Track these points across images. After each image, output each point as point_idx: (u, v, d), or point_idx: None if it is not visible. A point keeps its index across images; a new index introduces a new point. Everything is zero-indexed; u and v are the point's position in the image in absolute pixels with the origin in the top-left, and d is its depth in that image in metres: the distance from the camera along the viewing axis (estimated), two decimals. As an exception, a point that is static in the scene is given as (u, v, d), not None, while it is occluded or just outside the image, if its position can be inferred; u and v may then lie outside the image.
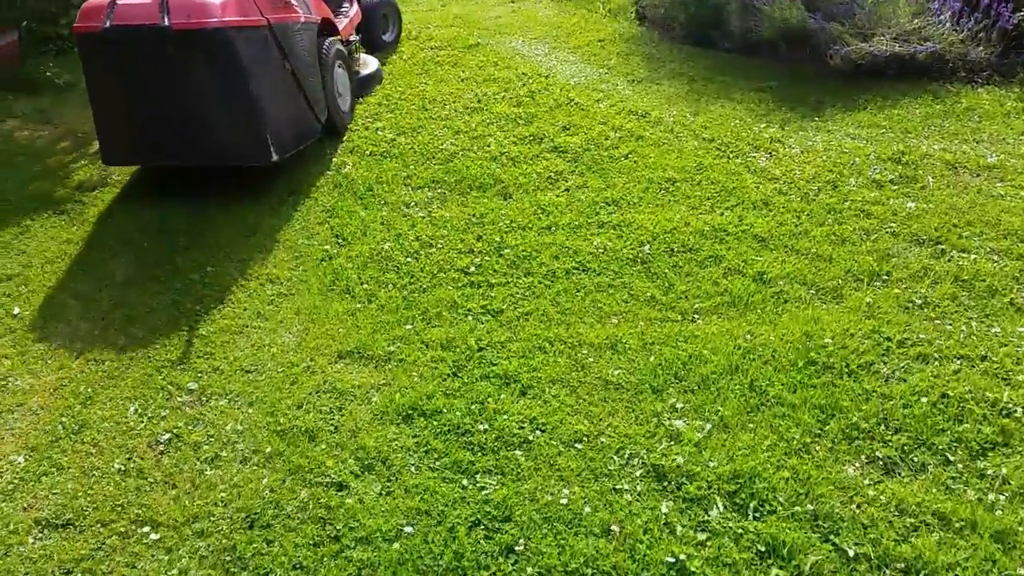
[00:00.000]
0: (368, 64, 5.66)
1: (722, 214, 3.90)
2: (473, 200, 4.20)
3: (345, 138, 4.88)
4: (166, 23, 3.76)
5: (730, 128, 4.66)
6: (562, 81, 5.43)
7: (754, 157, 4.35)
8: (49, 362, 3.26)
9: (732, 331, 3.15)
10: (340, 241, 3.93)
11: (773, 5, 5.18)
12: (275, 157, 4.15)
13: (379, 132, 4.91)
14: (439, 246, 3.85)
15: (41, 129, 5.43)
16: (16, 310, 3.57)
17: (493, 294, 3.49)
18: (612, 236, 3.81)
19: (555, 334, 3.22)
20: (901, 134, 4.49)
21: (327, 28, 4.92)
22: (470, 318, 3.36)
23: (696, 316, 3.27)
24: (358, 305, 3.47)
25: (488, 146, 4.68)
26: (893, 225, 3.72)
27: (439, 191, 4.31)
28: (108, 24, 3.84)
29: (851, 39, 5.01)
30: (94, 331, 3.42)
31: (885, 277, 3.40)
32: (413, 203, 4.21)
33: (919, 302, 3.24)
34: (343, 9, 5.66)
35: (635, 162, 4.42)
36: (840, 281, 3.40)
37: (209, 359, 3.24)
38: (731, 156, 4.39)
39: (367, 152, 4.70)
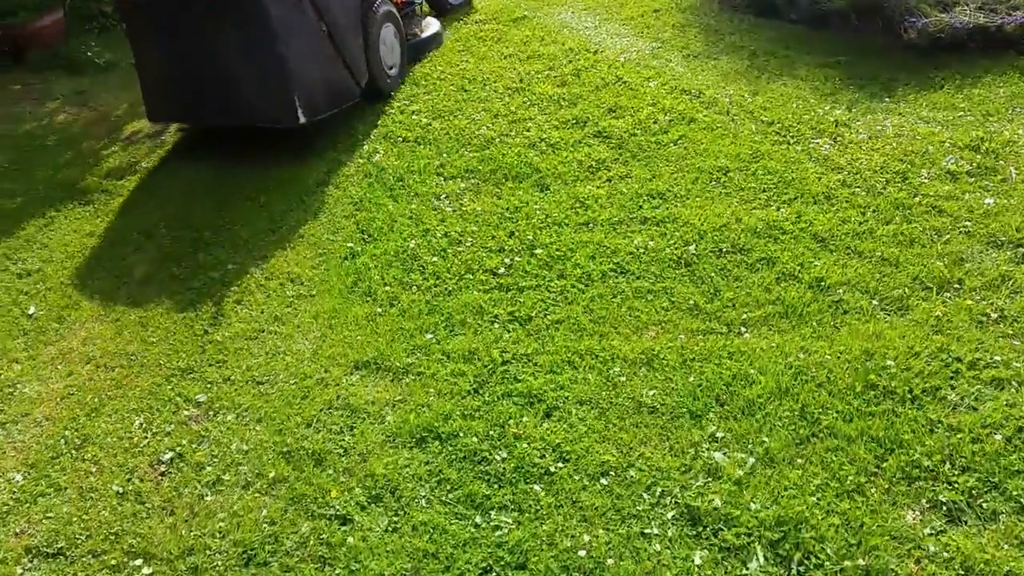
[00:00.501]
0: (429, 26, 5.50)
1: (778, 209, 3.56)
2: (508, 192, 3.94)
3: (379, 122, 4.65)
4: None
5: (792, 110, 4.27)
6: (611, 57, 5.09)
7: (817, 143, 3.97)
8: (59, 367, 3.15)
9: (783, 347, 2.84)
10: (365, 237, 3.73)
11: (843, -28, 4.73)
12: (303, 119, 4.10)
13: (414, 116, 4.66)
14: (468, 243, 3.61)
15: (78, 112, 5.36)
16: (32, 309, 3.48)
17: (522, 299, 3.24)
18: (655, 234, 3.51)
19: (586, 346, 2.96)
20: (981, 118, 4.04)
21: None
22: (496, 326, 3.12)
23: (743, 328, 2.97)
24: (379, 309, 3.27)
25: (528, 131, 4.40)
26: (968, 224, 3.33)
27: (473, 181, 4.06)
28: None
29: (930, 9, 4.54)
30: (107, 334, 3.31)
31: (957, 286, 3.03)
32: (444, 195, 3.97)
33: (995, 316, 2.87)
34: None
35: (685, 148, 4.08)
36: (907, 290, 3.04)
37: (221, 367, 3.08)
38: (791, 142, 4.02)
39: (400, 138, 4.47)
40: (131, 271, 3.69)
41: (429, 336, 3.08)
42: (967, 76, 4.41)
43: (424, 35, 5.42)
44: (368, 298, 3.35)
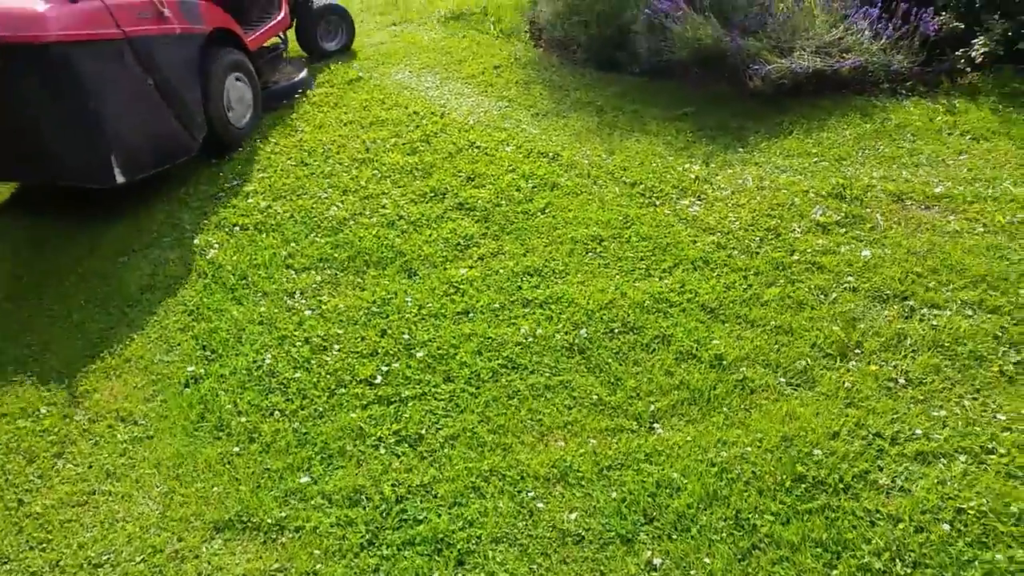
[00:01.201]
0: (295, 73, 5.27)
1: (660, 279, 3.39)
2: (371, 281, 3.55)
3: (208, 209, 4.12)
4: None
5: (651, 168, 4.16)
6: (459, 120, 4.81)
7: (683, 203, 3.86)
8: None
9: (699, 440, 2.62)
10: (208, 354, 3.20)
11: (684, 23, 4.71)
12: (121, 179, 3.77)
13: (250, 199, 4.17)
14: (335, 349, 3.18)
15: None
16: None
17: (408, 412, 2.85)
18: (541, 318, 3.23)
19: (491, 465, 2.62)
20: (835, 163, 4.09)
21: (223, 37, 4.48)
22: (382, 451, 2.72)
23: (654, 422, 2.73)
24: (236, 448, 2.77)
25: (383, 208, 4.03)
26: (851, 279, 3.29)
27: (329, 272, 3.63)
28: None
29: (770, 56, 4.60)
30: None
31: (857, 350, 2.95)
32: (298, 291, 3.52)
33: (901, 381, 2.80)
34: (265, 16, 5.20)
35: (553, 217, 3.85)
36: (808, 360, 2.92)
37: (45, 550, 2.48)
38: (658, 203, 3.89)
39: (237, 226, 3.96)
40: (-90, 430, 2.97)
41: (303, 478, 2.63)
42: (813, 119, 4.48)
43: (284, 83, 5.20)
44: (220, 434, 2.84)
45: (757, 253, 3.49)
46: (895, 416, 2.64)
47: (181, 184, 4.34)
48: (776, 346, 2.99)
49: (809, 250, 3.46)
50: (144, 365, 3.18)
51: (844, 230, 3.58)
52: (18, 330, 3.42)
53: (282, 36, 5.61)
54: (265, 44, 5.24)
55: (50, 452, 2.83)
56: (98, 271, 3.75)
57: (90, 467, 2.76)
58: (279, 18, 5.27)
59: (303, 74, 5.34)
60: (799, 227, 3.62)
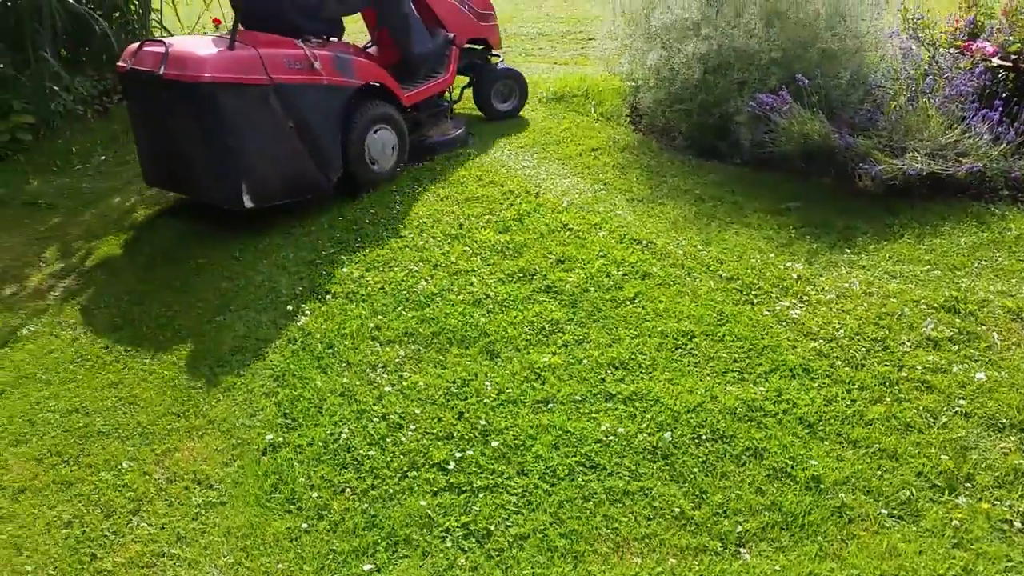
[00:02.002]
0: (450, 129, 5.71)
1: (755, 384, 3.23)
2: (453, 360, 3.51)
3: (306, 276, 4.19)
4: (160, 72, 4.18)
5: (750, 264, 4.02)
6: (553, 200, 4.80)
7: (783, 304, 3.70)
8: None
9: (790, 571, 2.44)
10: (289, 423, 3.20)
11: (790, 117, 4.61)
12: (250, 204, 4.40)
13: (344, 268, 4.23)
14: (411, 429, 3.13)
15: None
16: None
17: (478, 505, 2.76)
18: (623, 415, 3.11)
19: (560, 574, 2.49)
20: (949, 272, 3.87)
21: (374, 92, 5.02)
22: (448, 544, 2.63)
23: (740, 545, 2.55)
24: (304, 524, 2.73)
25: (471, 285, 4.01)
26: (963, 402, 3.06)
27: (413, 347, 3.62)
28: (129, 66, 4.44)
29: (881, 155, 4.44)
30: (-39, 570, 2.66)
31: (967, 483, 2.71)
32: (381, 365, 3.51)
33: (1017, 524, 2.55)
34: (431, 75, 5.63)
35: (643, 308, 3.76)
36: (914, 490, 2.70)
37: (108, 612, 2.47)
38: (756, 302, 3.74)
39: (329, 294, 4.01)
40: (6, 471, 3.06)
41: (367, 565, 2.56)
42: (925, 224, 4.28)
43: (438, 137, 5.61)
44: (291, 507, 2.81)
45: (862, 365, 3.30)
46: (1009, 564, 2.40)
47: (281, 249, 4.45)
48: (879, 471, 2.78)
49: (919, 367, 3.25)
50: (227, 428, 3.20)
51: (957, 347, 3.35)
52: (110, 382, 3.51)
53: (449, 95, 6.06)
54: (429, 99, 5.63)
55: (127, 508, 2.86)
56: (194, 329, 3.84)
57: (162, 528, 2.76)
58: (443, 79, 5.65)
59: (458, 132, 5.69)
60: (908, 340, 3.41)
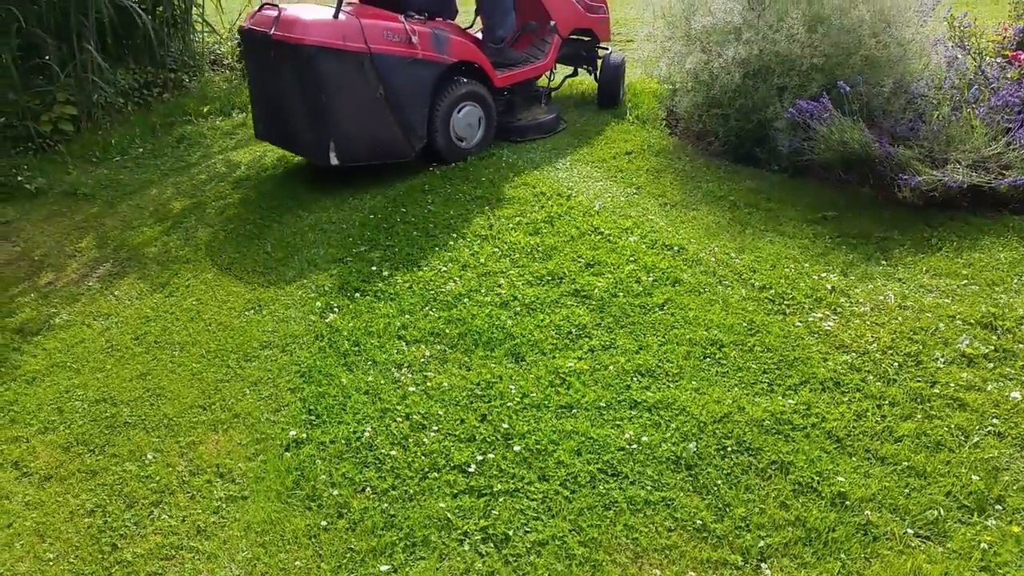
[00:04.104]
0: (541, 114, 5.90)
1: (784, 397, 3.17)
2: (478, 362, 3.50)
3: (334, 271, 4.21)
4: (271, 32, 4.64)
5: (783, 272, 3.96)
6: (585, 204, 4.77)
7: (816, 316, 3.63)
8: (-81, 604, 2.53)
9: (811, 588, 2.38)
10: (313, 419, 3.21)
11: (830, 125, 4.52)
12: (335, 162, 4.80)
13: (374, 266, 4.24)
14: (434, 430, 3.12)
15: (-3, 247, 4.82)
16: (-103, 517, 2.86)
17: (497, 509, 2.74)
18: (648, 424, 3.07)
19: (577, 582, 2.46)
20: (987, 287, 3.76)
21: (468, 70, 5.30)
22: (466, 547, 2.61)
23: (762, 560, 2.50)
24: (324, 522, 2.73)
25: (499, 287, 4.00)
26: (996, 422, 2.97)
27: (439, 348, 3.61)
28: (247, 25, 4.96)
29: (921, 166, 4.33)
30: (-11, 552, 2.70)
31: (997, 505, 2.63)
32: (406, 364, 3.51)
33: (1054, 549, 2.46)
34: (529, 60, 5.85)
35: (672, 315, 3.71)
36: (942, 510, 2.63)
37: (127, 602, 2.50)
38: (787, 312, 3.68)
39: (358, 291, 4.02)
40: (34, 459, 3.11)
41: (384, 566, 2.55)
42: (964, 237, 4.17)
43: (527, 121, 5.82)
44: (312, 504, 2.82)
45: (894, 380, 3.22)
46: (1044, 593, 2.32)
47: (313, 246, 4.48)
48: (907, 490, 2.71)
49: (952, 384, 3.16)
50: (251, 423, 3.22)
51: (992, 365, 3.26)
52: (139, 373, 3.55)
53: (548, 81, 6.39)
54: (525, 82, 5.85)
55: (149, 500, 2.88)
56: (224, 322, 3.88)
57: (183, 520, 2.78)
58: (539, 64, 5.83)
59: (548, 117, 5.90)
60: (942, 356, 3.32)
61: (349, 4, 5.14)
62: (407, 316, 3.82)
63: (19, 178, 5.56)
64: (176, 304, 4.06)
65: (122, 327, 3.90)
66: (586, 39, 6.33)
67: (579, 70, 6.61)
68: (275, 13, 4.74)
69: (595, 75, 6.37)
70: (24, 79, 6.07)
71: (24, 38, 6.10)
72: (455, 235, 4.49)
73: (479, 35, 5.72)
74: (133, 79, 6.82)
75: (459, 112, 5.26)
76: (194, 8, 7.58)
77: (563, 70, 6.74)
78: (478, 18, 5.75)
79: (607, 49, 6.35)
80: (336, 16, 4.64)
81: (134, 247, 4.69)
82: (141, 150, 6.17)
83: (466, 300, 3.91)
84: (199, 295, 4.12)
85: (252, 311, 3.95)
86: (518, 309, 3.82)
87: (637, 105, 6.25)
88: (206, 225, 4.86)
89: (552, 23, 5.86)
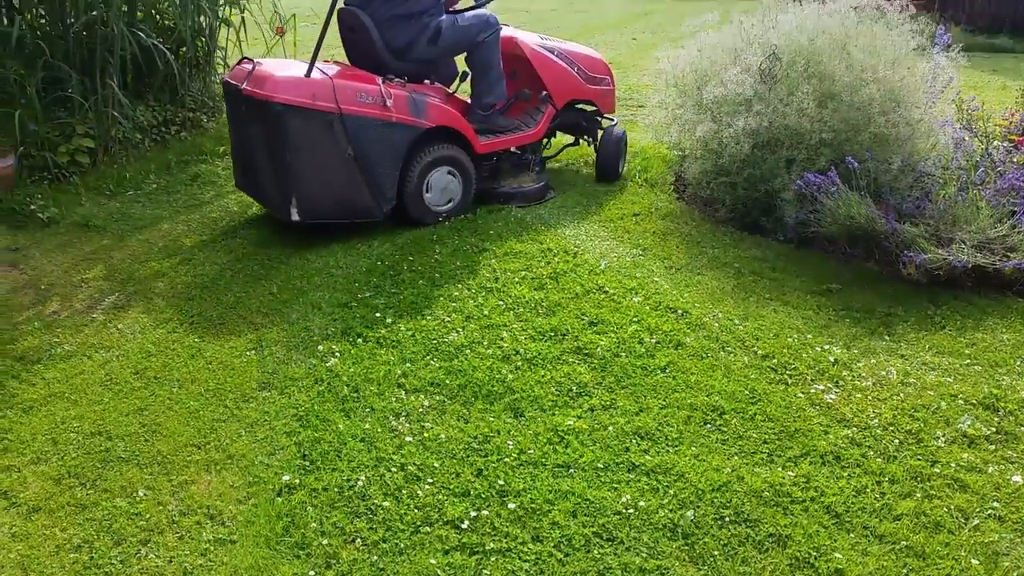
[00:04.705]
0: (527, 182, 5.78)
1: (784, 468, 3.14)
2: (477, 414, 3.48)
3: (340, 318, 4.22)
4: (242, 87, 4.70)
5: (786, 343, 3.96)
6: (591, 262, 4.80)
7: (818, 387, 3.62)
8: None
9: (805, 669, 2.32)
10: (307, 465, 3.18)
11: (837, 199, 4.57)
12: (296, 218, 4.80)
13: (378, 312, 4.25)
14: (428, 482, 3.09)
15: (5, 273, 4.84)
16: None
17: (488, 569, 2.69)
18: (646, 488, 3.04)
19: (566, 649, 2.41)
20: (989, 368, 3.76)
21: (448, 134, 5.21)
22: (456, 606, 2.56)
23: (755, 636, 2.45)
24: (311, 572, 2.69)
25: (501, 340, 4.00)
26: (996, 505, 2.94)
27: (438, 398, 3.60)
28: (226, 77, 5.05)
29: (927, 244, 4.37)
30: (-31, 584, 2.65)
31: (1001, 592, 2.59)
32: (404, 413, 3.49)
33: (1055, 641, 2.41)
34: (519, 128, 5.74)
35: (673, 378, 3.70)
36: (943, 594, 2.58)
37: (106, 643, 2.44)
38: (790, 382, 3.67)
39: (360, 337, 4.02)
40: (21, 492, 3.07)
41: (372, 620, 2.50)
42: (968, 317, 4.19)
43: (507, 189, 5.70)
44: (301, 552, 2.77)
45: (895, 457, 3.19)
46: None
47: (318, 289, 4.50)
48: (905, 570, 2.67)
49: (953, 464, 3.14)
50: (245, 465, 3.19)
51: (994, 447, 3.24)
52: (136, 408, 3.54)
53: (541, 148, 6.18)
54: (512, 150, 5.83)
55: (137, 538, 2.84)
56: (225, 361, 3.87)
57: (170, 561, 2.74)
58: (526, 133, 5.76)
59: (534, 187, 5.77)
60: (943, 435, 3.31)
61: (336, 63, 5.26)
62: (408, 364, 3.81)
63: (32, 207, 5.61)
64: (178, 340, 4.06)
65: (123, 360, 3.89)
66: (588, 109, 6.26)
67: (581, 139, 6.55)
68: (250, 67, 4.77)
69: (595, 147, 6.30)
70: (46, 111, 6.17)
71: (49, 71, 6.22)
72: (460, 286, 4.51)
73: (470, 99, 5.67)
74: (152, 116, 6.93)
75: (433, 176, 5.19)
76: (216, 51, 7.74)
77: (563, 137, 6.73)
78: (464, 83, 5.68)
79: (612, 121, 6.34)
80: (308, 74, 4.64)
81: (141, 281, 4.71)
82: (155, 186, 6.24)
83: (468, 352, 3.91)
84: (202, 332, 4.12)
85: (253, 351, 3.95)
86: (519, 363, 3.82)
87: (646, 168, 6.33)
88: (214, 263, 4.89)
89: (544, 93, 5.80)
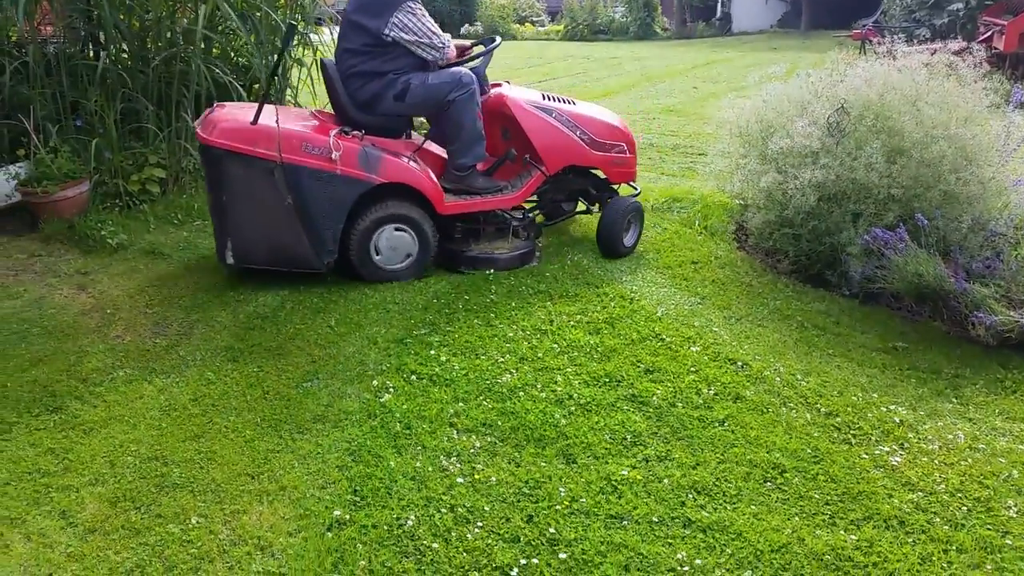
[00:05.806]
0: (503, 249, 5.41)
1: (846, 531, 3.02)
2: (529, 458, 3.43)
3: (395, 353, 4.24)
4: (197, 129, 4.76)
5: (851, 400, 3.84)
6: (648, 308, 4.75)
7: (883, 448, 3.50)
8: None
9: None
10: (357, 500, 3.17)
11: (906, 256, 4.46)
12: (230, 261, 4.86)
13: (432, 350, 4.25)
14: (478, 525, 3.05)
15: (74, 296, 4.99)
16: (-58, 555, 2.88)
17: (538, 618, 2.63)
18: (702, 546, 2.95)
19: None
20: (1068, 437, 3.59)
21: (406, 191, 4.99)
22: (503, 656, 2.50)
23: None
24: (361, 611, 2.66)
25: (555, 383, 3.96)
26: (1077, 583, 2.78)
27: (489, 440, 3.56)
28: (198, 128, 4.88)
29: (997, 306, 4.23)
30: (24, 605, 2.68)
31: None
32: (455, 453, 3.46)
33: None
34: (494, 191, 5.38)
35: (732, 432, 3.61)
36: (1019, 677, 2.44)
37: (153, 670, 2.44)
38: (854, 442, 3.55)
39: (414, 374, 4.03)
40: (79, 511, 3.12)
41: (418, 665, 2.45)
42: (1041, 384, 4.02)
43: (479, 254, 5.36)
44: (350, 590, 2.75)
45: (962, 525, 3.05)
46: None
47: (375, 324, 4.53)
48: (977, 649, 2.53)
49: (1023, 535, 2.99)
50: (297, 497, 3.20)
51: (1074, 522, 3.07)
52: (193, 434, 3.58)
53: (523, 215, 5.66)
54: (493, 212, 5.45)
55: (188, 565, 2.85)
56: (281, 392, 3.90)
57: (219, 592, 2.74)
58: (505, 197, 5.40)
59: (509, 255, 5.35)
60: (1015, 505, 3.15)
61: (320, 113, 5.32)
62: (460, 404, 3.80)
63: (102, 232, 5.79)
64: (237, 369, 4.11)
65: (182, 387, 3.95)
66: (600, 176, 5.80)
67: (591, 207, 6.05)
68: (208, 112, 4.89)
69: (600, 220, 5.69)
70: (122, 141, 6.41)
71: (128, 103, 6.48)
72: (515, 327, 4.50)
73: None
74: (222, 149, 7.13)
75: (381, 233, 4.98)
76: (288, 90, 7.97)
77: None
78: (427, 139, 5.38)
79: (636, 190, 5.95)
80: (255, 121, 4.61)
81: (204, 309, 4.81)
82: (221, 216, 6.39)
83: (521, 394, 3.88)
84: (260, 362, 4.17)
85: (309, 383, 3.98)
86: (573, 408, 3.78)
87: (707, 216, 6.28)
88: (275, 294, 4.97)
89: (526, 156, 5.47)
